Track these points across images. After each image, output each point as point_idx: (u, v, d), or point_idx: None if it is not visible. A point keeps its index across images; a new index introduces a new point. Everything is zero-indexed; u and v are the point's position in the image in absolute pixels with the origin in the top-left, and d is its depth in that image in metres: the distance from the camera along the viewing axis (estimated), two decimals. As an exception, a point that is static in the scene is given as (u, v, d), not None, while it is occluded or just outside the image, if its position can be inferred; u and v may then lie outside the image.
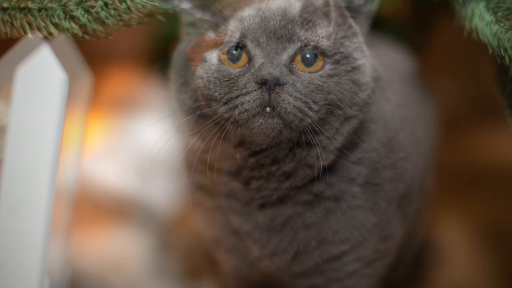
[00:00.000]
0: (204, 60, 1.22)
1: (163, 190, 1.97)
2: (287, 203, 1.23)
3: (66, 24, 1.15)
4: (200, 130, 1.19)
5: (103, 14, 1.15)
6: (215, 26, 1.21)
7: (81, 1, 1.15)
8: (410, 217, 1.35)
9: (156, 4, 1.17)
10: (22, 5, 1.15)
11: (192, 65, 1.21)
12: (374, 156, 1.22)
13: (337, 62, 1.16)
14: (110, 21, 1.15)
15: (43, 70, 1.08)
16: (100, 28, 1.17)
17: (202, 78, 1.19)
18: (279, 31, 1.16)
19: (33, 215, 1.04)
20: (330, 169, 1.20)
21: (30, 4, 1.15)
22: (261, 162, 1.20)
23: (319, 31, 1.17)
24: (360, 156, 1.21)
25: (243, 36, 1.18)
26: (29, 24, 1.15)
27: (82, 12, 1.15)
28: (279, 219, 1.24)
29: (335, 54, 1.16)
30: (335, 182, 1.21)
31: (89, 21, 1.15)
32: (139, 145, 1.97)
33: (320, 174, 1.20)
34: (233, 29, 1.22)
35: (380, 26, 1.55)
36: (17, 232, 1.06)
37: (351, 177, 1.21)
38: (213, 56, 1.21)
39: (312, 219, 1.23)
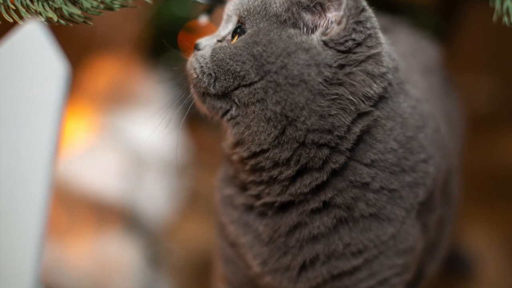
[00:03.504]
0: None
1: (152, 196, 1.97)
2: (292, 211, 1.22)
3: (38, 7, 1.13)
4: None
5: (81, -5, 1.13)
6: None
7: None
8: (432, 227, 1.33)
9: None
10: (-13, -15, 1.14)
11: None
12: (390, 158, 1.20)
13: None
14: (88, 4, 1.14)
15: (13, 57, 1.07)
16: (77, 12, 1.15)
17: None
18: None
19: (27, 217, 1.05)
20: (340, 172, 1.19)
21: (-3, -17, 1.14)
22: (262, 165, 1.19)
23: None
24: (374, 158, 1.19)
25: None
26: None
27: (58, -7, 1.14)
28: (282, 230, 1.23)
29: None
30: (346, 188, 1.19)
31: (65, 3, 1.13)
32: (125, 144, 1.97)
33: (329, 178, 1.18)
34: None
35: (398, 9, 1.53)
36: (9, 236, 1.06)
37: (365, 182, 1.19)
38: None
39: (320, 229, 1.21)
